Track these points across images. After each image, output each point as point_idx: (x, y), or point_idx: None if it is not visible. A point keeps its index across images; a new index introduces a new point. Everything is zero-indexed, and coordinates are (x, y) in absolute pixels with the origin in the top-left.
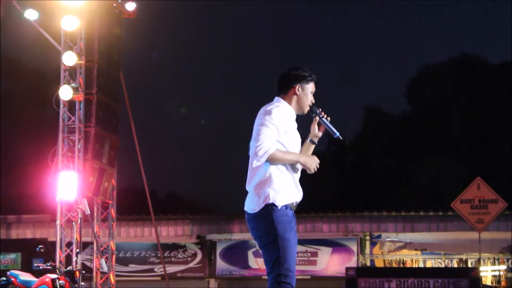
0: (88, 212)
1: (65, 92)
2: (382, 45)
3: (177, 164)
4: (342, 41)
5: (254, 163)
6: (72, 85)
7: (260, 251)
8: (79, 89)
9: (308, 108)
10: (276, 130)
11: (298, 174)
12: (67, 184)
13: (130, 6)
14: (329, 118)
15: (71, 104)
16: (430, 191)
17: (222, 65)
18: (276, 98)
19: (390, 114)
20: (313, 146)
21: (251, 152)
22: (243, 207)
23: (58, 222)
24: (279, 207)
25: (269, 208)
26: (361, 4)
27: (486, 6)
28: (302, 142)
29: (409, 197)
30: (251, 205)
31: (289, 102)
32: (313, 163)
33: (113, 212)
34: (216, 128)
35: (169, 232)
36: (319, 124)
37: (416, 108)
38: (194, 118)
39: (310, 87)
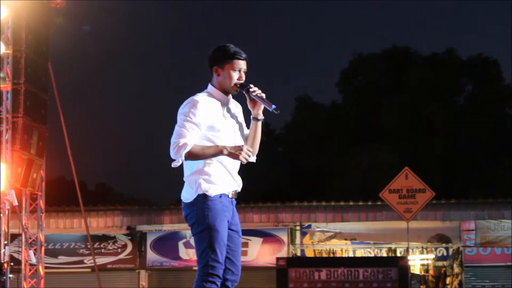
0: (16, 203)
1: None
2: (314, 34)
3: (107, 155)
4: (275, 30)
5: (172, 164)
6: None
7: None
8: (6, 79)
9: (235, 87)
10: (196, 127)
11: (236, 163)
12: None
13: None
14: (263, 95)
15: None
16: (360, 181)
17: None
18: (208, 85)
19: (321, 104)
20: (259, 123)
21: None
22: (174, 198)
23: None
24: (212, 196)
25: (201, 198)
26: None
27: None
28: (248, 125)
29: (340, 187)
30: (186, 195)
31: (216, 85)
32: (241, 152)
33: (41, 203)
34: (145, 118)
35: (99, 224)
36: (255, 103)
37: (347, 98)
38: (124, 108)
39: (232, 65)
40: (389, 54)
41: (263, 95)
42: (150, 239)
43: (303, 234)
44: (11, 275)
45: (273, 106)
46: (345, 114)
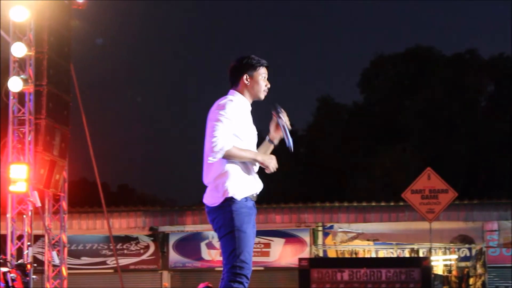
0: (39, 204)
1: (15, 84)
2: (336, 35)
3: (129, 156)
4: (297, 31)
5: (209, 159)
6: (22, 76)
7: (219, 243)
8: (29, 80)
9: (263, 94)
10: (231, 125)
11: (257, 166)
12: (17, 176)
13: None
14: (289, 127)
15: (21, 96)
16: (382, 182)
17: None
18: (230, 91)
19: (342, 104)
20: (272, 146)
21: (206, 148)
22: (196, 199)
23: (8, 215)
24: (238, 200)
25: (228, 201)
26: None
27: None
28: (259, 136)
29: (362, 187)
30: (210, 199)
31: (242, 93)
32: (271, 162)
33: (64, 204)
34: (167, 121)
35: (122, 224)
36: (277, 127)
37: (368, 99)
38: (146, 109)
39: (260, 73)
40: (410, 54)
41: (289, 127)
42: (172, 240)
43: (326, 234)
44: (34, 276)
45: (291, 143)
46: (366, 115)
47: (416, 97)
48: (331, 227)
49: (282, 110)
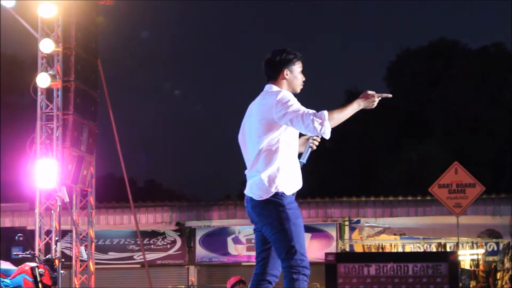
0: (67, 200)
1: (43, 80)
2: (365, 28)
3: (156, 152)
4: (325, 23)
5: (323, 133)
6: (50, 72)
7: (269, 238)
8: (57, 76)
9: (300, 88)
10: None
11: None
12: (45, 172)
13: None
14: (315, 147)
15: (49, 91)
16: (409, 176)
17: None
18: (268, 86)
19: None
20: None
21: (299, 122)
22: (223, 194)
23: (37, 211)
24: (288, 195)
25: (279, 196)
26: None
27: None
28: None
29: (388, 182)
30: (258, 192)
31: (281, 87)
32: (375, 101)
33: (92, 200)
34: (195, 116)
35: (148, 220)
36: (306, 141)
37: (395, 92)
38: (172, 103)
39: (298, 67)
40: (435, 47)
41: (314, 148)
42: (199, 235)
43: (352, 229)
44: (62, 271)
45: (304, 160)
46: (393, 108)
47: (441, 91)
48: (358, 221)
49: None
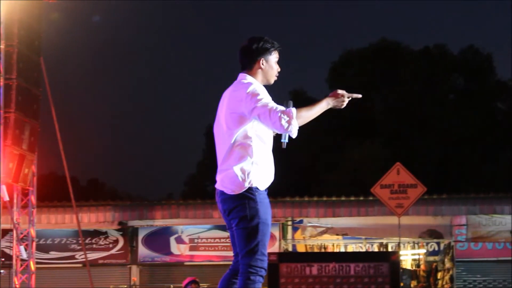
0: (7, 198)
1: None
2: (308, 29)
3: (99, 151)
4: (265, 23)
5: (290, 132)
6: None
7: (235, 232)
8: None
9: (275, 79)
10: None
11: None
12: None
13: None
14: None
15: None
16: (352, 176)
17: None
18: (241, 75)
19: (314, 98)
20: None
21: (267, 118)
22: (165, 193)
23: None
24: (261, 190)
25: (252, 191)
26: None
27: None
28: None
29: (331, 182)
30: (231, 186)
31: (255, 77)
32: (344, 101)
33: (33, 198)
34: (137, 115)
35: (91, 219)
36: None
37: None
38: (116, 103)
39: (274, 57)
40: (378, 48)
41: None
42: (141, 235)
43: (295, 229)
44: (2, 270)
45: (285, 141)
46: (335, 109)
47: (385, 92)
48: (301, 221)
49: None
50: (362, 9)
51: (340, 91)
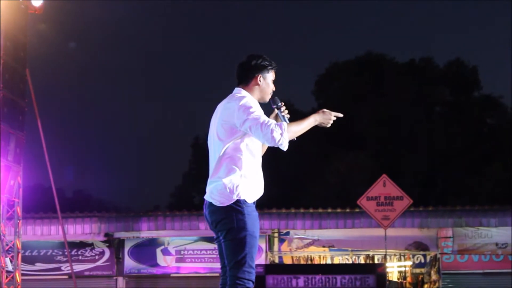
0: None
1: None
2: (294, 41)
3: (85, 163)
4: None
5: (281, 144)
6: None
7: (222, 244)
8: None
9: (270, 96)
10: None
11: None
12: None
13: (37, 3)
14: (288, 116)
15: None
16: (338, 188)
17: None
18: (237, 89)
19: (300, 111)
20: None
21: (258, 131)
22: (151, 205)
23: None
24: (249, 203)
25: (240, 203)
26: (273, 2)
27: (393, 5)
28: None
29: (317, 194)
30: (219, 198)
31: (251, 93)
32: (330, 119)
33: (19, 210)
34: (122, 126)
35: (77, 230)
36: (277, 118)
37: (324, 105)
38: (102, 114)
39: (271, 75)
40: (363, 61)
41: (288, 116)
42: (127, 246)
43: (281, 241)
44: None
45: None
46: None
47: (371, 104)
48: (287, 233)
49: (282, 103)
50: (347, 21)
51: (326, 110)
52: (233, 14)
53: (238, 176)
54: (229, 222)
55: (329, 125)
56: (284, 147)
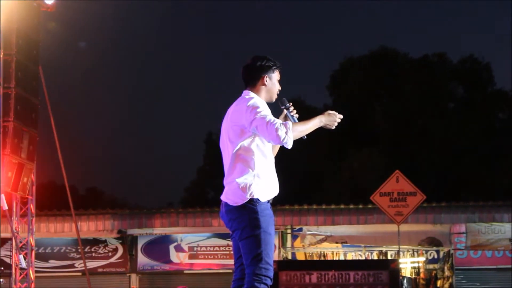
0: (6, 207)
1: None
2: (305, 37)
3: (98, 160)
4: (265, 34)
5: (286, 143)
6: None
7: (239, 243)
8: None
9: (276, 96)
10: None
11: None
12: None
13: (50, 0)
14: (297, 115)
15: None
16: (352, 184)
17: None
18: (245, 92)
19: (313, 107)
20: None
21: (264, 129)
22: (165, 202)
23: None
24: (262, 201)
25: (254, 202)
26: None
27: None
28: None
29: (330, 190)
30: (233, 198)
31: (259, 94)
32: (336, 120)
33: (32, 207)
34: (135, 124)
35: (90, 227)
36: (286, 118)
37: (338, 101)
38: (116, 112)
39: (277, 75)
40: (377, 56)
41: (297, 116)
42: (141, 243)
43: (294, 237)
44: (1, 279)
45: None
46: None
47: (385, 100)
48: (300, 229)
49: (290, 103)
50: (361, 16)
51: (331, 112)
52: (250, 10)
53: (251, 176)
54: (243, 221)
55: (334, 127)
56: (289, 145)
